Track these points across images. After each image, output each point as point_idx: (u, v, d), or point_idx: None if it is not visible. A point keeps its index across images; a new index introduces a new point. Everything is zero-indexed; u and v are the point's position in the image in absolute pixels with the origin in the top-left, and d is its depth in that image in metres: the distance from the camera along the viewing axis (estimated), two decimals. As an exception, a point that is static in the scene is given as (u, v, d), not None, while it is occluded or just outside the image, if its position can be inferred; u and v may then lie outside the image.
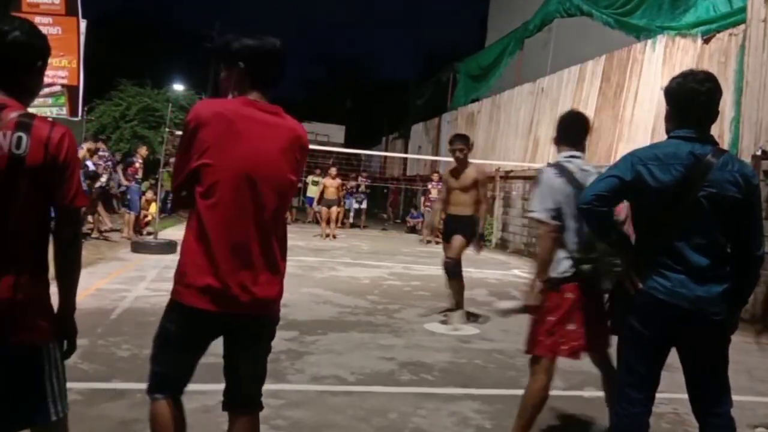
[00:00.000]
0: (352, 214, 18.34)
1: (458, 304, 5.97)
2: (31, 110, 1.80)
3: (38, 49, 1.80)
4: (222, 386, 3.71)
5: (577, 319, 2.90)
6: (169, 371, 2.13)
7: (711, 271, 2.30)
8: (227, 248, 1.95)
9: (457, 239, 5.88)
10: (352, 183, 18.66)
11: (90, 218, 10.49)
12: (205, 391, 3.58)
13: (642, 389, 2.47)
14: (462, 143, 6.01)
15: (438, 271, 6.89)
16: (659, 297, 2.32)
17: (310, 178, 17.99)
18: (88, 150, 10.25)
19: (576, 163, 3.02)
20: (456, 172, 5.99)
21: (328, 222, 13.95)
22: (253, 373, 2.18)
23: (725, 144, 8.75)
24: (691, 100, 2.37)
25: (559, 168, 2.98)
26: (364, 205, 18.70)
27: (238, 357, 2.15)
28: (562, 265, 2.92)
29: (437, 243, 6.06)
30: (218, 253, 1.94)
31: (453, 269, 5.89)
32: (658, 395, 2.57)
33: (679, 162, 2.29)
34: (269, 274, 2.04)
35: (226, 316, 2.01)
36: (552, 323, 2.90)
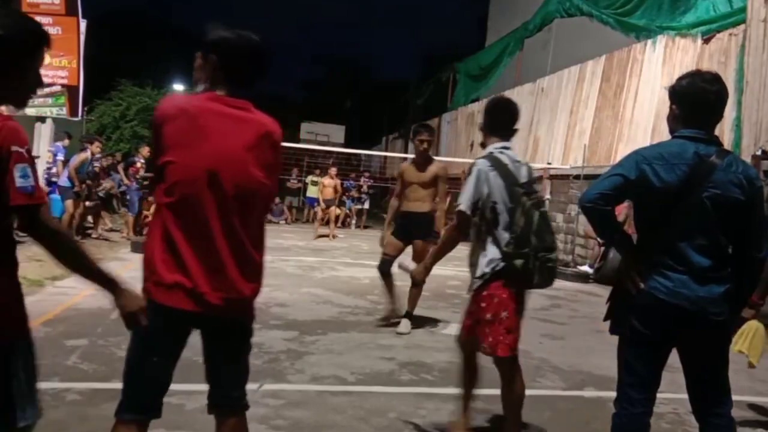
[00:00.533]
0: (354, 219, 18.18)
1: (396, 311, 5.63)
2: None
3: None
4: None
5: (519, 313, 2.94)
6: (143, 383, 2.01)
7: (713, 272, 2.30)
8: (192, 248, 1.88)
9: (420, 245, 5.51)
10: (351, 186, 18.46)
11: (90, 218, 10.49)
12: (204, 391, 3.57)
13: (642, 389, 2.47)
14: (429, 134, 5.67)
15: (438, 270, 6.89)
16: (660, 297, 2.31)
17: (309, 178, 17.94)
18: (92, 151, 10.24)
19: (508, 155, 2.92)
20: (419, 166, 5.56)
21: (327, 222, 13.89)
22: (234, 374, 2.11)
23: (726, 144, 8.73)
24: (700, 100, 2.35)
25: (493, 160, 2.87)
26: (366, 206, 18.68)
27: (216, 359, 2.09)
28: (494, 261, 2.82)
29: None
30: (184, 253, 1.88)
31: (386, 268, 5.58)
32: (658, 395, 2.57)
33: (684, 162, 2.28)
34: (240, 276, 1.94)
35: (197, 316, 1.94)
36: (508, 321, 2.85)
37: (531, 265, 2.74)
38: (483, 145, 3.07)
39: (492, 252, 2.82)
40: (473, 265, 2.92)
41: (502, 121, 3.05)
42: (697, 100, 2.35)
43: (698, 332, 2.36)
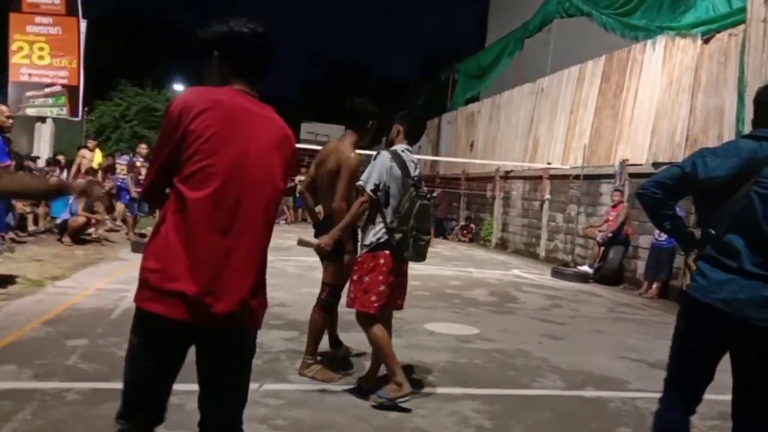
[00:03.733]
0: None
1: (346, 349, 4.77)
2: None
3: None
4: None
5: (386, 281, 3.50)
6: (141, 395, 1.86)
7: (761, 269, 2.23)
8: (205, 251, 1.74)
9: None
10: None
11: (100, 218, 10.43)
12: (205, 391, 3.58)
13: (682, 389, 2.46)
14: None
15: (437, 270, 6.91)
16: (694, 296, 2.33)
17: (297, 179, 17.91)
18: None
19: (408, 155, 3.64)
20: None
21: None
22: (234, 398, 1.91)
23: (725, 144, 8.75)
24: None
25: (395, 155, 3.57)
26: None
27: (216, 379, 1.88)
28: (379, 233, 3.51)
29: None
30: (195, 256, 1.73)
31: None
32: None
33: (737, 156, 2.32)
34: (250, 284, 1.82)
35: (200, 328, 1.77)
36: (367, 284, 3.50)
37: (407, 240, 3.44)
38: (391, 143, 3.74)
39: (379, 226, 3.51)
40: (364, 235, 3.61)
41: (417, 132, 3.86)
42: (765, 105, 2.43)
43: (740, 336, 2.27)
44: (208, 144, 1.76)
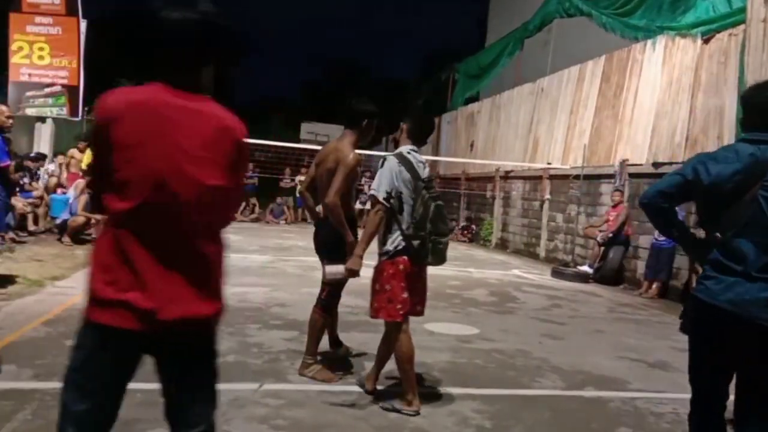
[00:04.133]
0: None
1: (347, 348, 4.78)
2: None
3: None
4: (222, 386, 3.71)
5: (408, 287, 3.43)
6: (83, 408, 1.75)
7: (765, 273, 2.26)
8: (143, 260, 1.67)
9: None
10: None
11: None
12: (205, 391, 3.58)
13: (702, 392, 2.50)
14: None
15: (437, 270, 6.85)
16: (702, 298, 2.35)
17: (298, 178, 17.95)
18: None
19: (415, 156, 3.52)
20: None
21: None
22: (198, 406, 1.82)
23: (725, 144, 8.75)
24: (764, 108, 2.45)
25: (402, 158, 3.46)
26: (368, 206, 18.60)
27: (175, 390, 1.80)
28: (396, 240, 3.42)
29: None
30: (134, 266, 1.66)
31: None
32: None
33: (738, 160, 2.35)
34: (198, 292, 1.72)
35: (147, 337, 1.69)
36: (391, 292, 3.42)
37: (426, 245, 3.36)
38: (396, 144, 3.65)
39: (396, 233, 3.42)
40: (382, 243, 3.49)
41: (424, 131, 3.69)
42: (761, 108, 2.44)
43: (746, 336, 2.29)
44: (131, 151, 1.65)
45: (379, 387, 3.84)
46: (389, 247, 3.43)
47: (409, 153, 3.52)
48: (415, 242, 3.35)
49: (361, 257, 3.51)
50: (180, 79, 1.74)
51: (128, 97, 1.71)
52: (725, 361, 2.41)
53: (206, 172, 1.71)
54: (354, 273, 3.54)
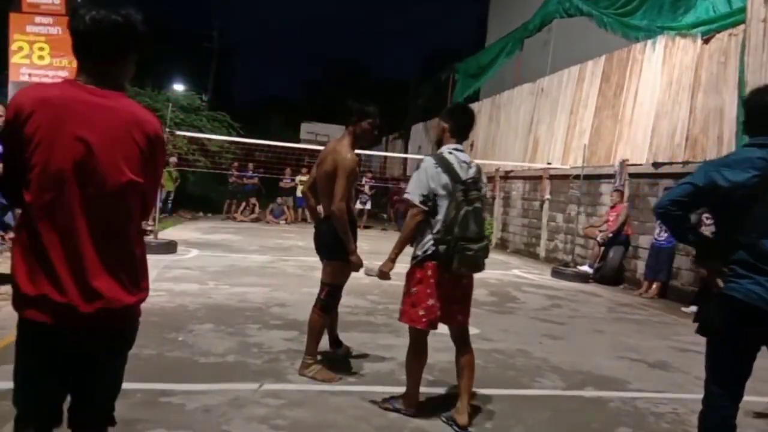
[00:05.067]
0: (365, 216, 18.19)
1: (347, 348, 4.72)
2: None
3: None
4: (222, 386, 3.71)
5: (435, 294, 3.26)
6: (27, 401, 1.84)
7: None
8: (59, 255, 1.71)
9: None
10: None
11: None
12: (205, 391, 3.59)
13: (725, 390, 2.54)
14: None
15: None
16: (737, 297, 2.40)
17: (298, 178, 17.96)
18: None
19: (458, 156, 3.32)
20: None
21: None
22: (102, 388, 1.91)
23: (725, 144, 8.75)
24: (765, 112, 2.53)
25: (439, 159, 3.28)
26: (368, 206, 18.72)
27: (84, 370, 1.86)
28: (426, 244, 3.28)
29: None
30: (51, 261, 1.70)
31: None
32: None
33: (752, 165, 2.43)
34: (115, 283, 1.77)
35: (68, 330, 1.75)
36: (416, 296, 3.29)
37: (451, 251, 3.16)
38: (439, 144, 3.44)
39: (427, 237, 3.28)
40: (414, 246, 3.37)
41: (466, 126, 3.46)
42: (763, 112, 2.53)
43: None
44: (41, 147, 1.70)
45: (385, 388, 3.84)
46: (418, 251, 3.31)
47: (450, 153, 3.33)
48: (441, 247, 3.19)
49: (393, 261, 3.40)
50: (94, 76, 1.79)
51: (39, 94, 1.75)
52: (752, 356, 2.50)
53: (115, 166, 1.75)
54: (384, 275, 3.44)
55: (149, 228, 11.03)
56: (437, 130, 3.49)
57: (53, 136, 1.70)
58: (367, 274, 3.76)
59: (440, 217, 3.24)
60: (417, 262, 3.31)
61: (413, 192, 3.25)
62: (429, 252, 3.26)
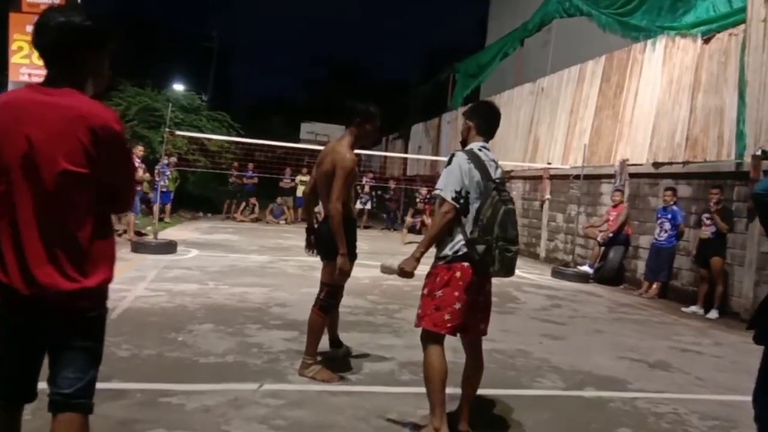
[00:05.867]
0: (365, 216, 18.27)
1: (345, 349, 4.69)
2: None
3: None
4: (222, 386, 3.71)
5: (461, 299, 3.02)
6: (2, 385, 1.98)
7: None
8: (8, 240, 1.86)
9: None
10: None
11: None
12: (205, 391, 3.58)
13: None
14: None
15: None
16: None
17: (299, 178, 17.95)
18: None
19: (486, 154, 3.16)
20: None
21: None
22: (67, 370, 1.97)
23: (725, 144, 8.75)
24: None
25: (472, 155, 3.09)
26: (368, 206, 18.77)
27: (51, 353, 1.99)
28: (457, 245, 3.03)
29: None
30: (2, 244, 1.86)
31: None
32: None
33: None
34: (51, 270, 1.86)
35: (15, 309, 1.89)
36: (441, 300, 3.03)
37: (492, 252, 2.95)
38: (464, 143, 3.27)
39: (458, 237, 3.03)
40: (439, 246, 3.12)
41: (493, 123, 3.31)
42: None
43: None
44: None
45: (385, 388, 3.83)
46: (447, 251, 3.05)
47: (480, 150, 3.15)
48: (480, 247, 2.94)
49: (418, 260, 3.09)
50: (53, 77, 1.90)
51: (2, 98, 1.92)
52: None
53: (53, 159, 1.83)
54: (407, 274, 3.14)
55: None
56: (462, 129, 3.33)
57: (7, 134, 1.85)
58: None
59: (472, 216, 3.02)
60: (445, 263, 3.06)
61: (445, 188, 3.01)
62: (460, 253, 3.02)
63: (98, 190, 1.94)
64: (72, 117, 1.85)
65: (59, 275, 1.87)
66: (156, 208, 11.96)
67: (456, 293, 3.02)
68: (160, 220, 14.35)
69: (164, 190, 14.57)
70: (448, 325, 3.05)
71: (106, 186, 1.95)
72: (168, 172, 15.19)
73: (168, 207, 15.41)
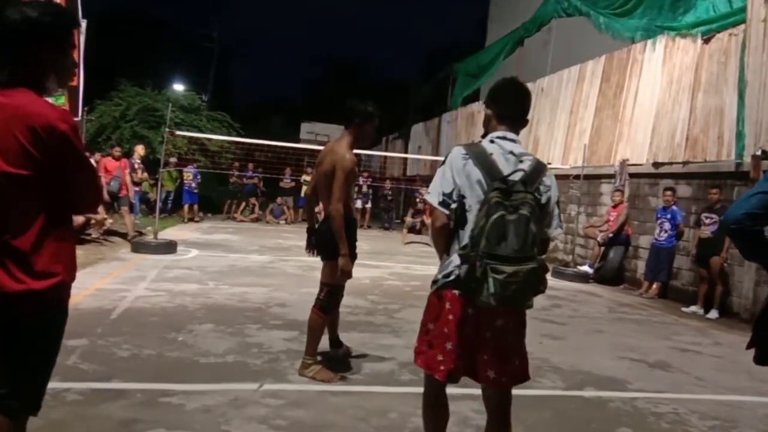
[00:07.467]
0: (367, 216, 18.45)
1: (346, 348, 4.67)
2: None
3: None
4: (222, 386, 3.71)
5: (452, 337, 2.33)
6: None
7: None
8: None
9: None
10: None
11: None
12: (205, 391, 3.59)
13: None
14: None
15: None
16: None
17: (303, 178, 17.95)
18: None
19: (502, 145, 2.41)
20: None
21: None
22: (9, 369, 1.95)
23: (725, 144, 8.75)
24: None
25: (473, 148, 2.41)
26: (368, 206, 18.80)
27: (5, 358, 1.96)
28: (450, 265, 2.34)
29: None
30: None
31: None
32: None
33: None
34: (5, 272, 1.84)
35: None
36: (433, 335, 2.38)
37: (475, 272, 2.17)
38: (486, 135, 2.57)
39: (453, 255, 2.35)
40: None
41: (514, 105, 2.62)
42: None
43: None
44: None
45: (385, 388, 3.83)
46: (438, 275, 2.39)
47: (493, 141, 2.44)
48: (463, 267, 2.25)
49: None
50: (7, 77, 1.85)
51: None
52: None
53: None
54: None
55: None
56: (483, 120, 2.66)
57: None
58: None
59: (470, 226, 2.28)
60: (436, 289, 2.40)
61: (433, 191, 2.37)
62: (452, 277, 2.32)
63: (51, 192, 1.88)
64: (12, 116, 1.80)
65: (6, 276, 1.84)
66: (185, 208, 13.15)
67: (445, 329, 2.34)
68: (190, 219, 15.90)
69: (195, 191, 16.22)
70: (441, 368, 2.36)
71: (62, 187, 1.90)
72: (199, 176, 16.35)
73: (195, 207, 16.34)
